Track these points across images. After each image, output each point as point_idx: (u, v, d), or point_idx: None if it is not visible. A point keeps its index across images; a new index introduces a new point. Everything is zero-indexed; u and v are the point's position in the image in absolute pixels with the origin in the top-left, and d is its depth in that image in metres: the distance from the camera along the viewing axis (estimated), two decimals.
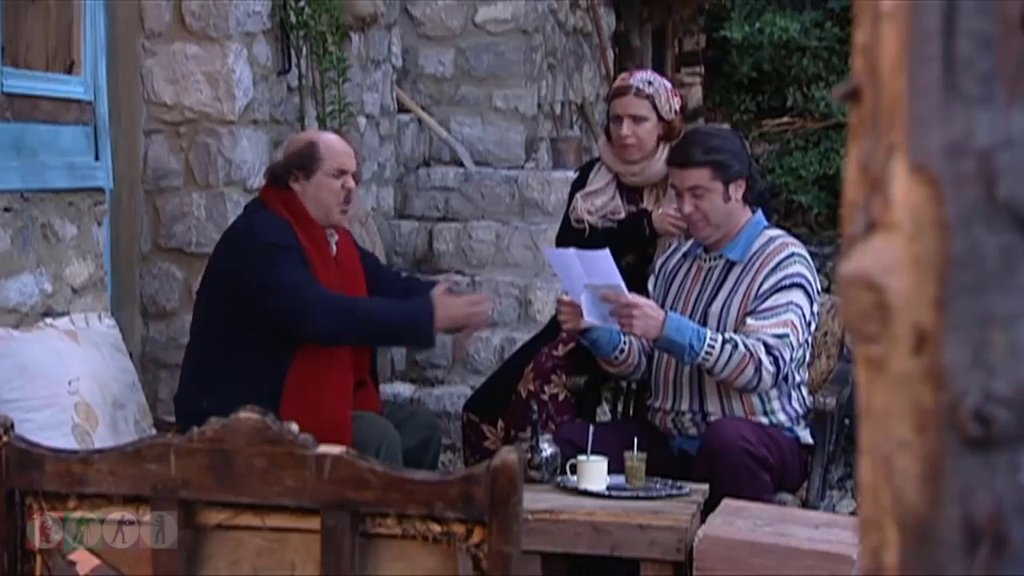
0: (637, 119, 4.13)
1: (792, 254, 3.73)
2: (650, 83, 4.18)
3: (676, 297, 3.85)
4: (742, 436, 3.56)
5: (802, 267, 3.72)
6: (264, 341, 3.71)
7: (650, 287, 3.95)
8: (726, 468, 3.51)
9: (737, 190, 3.73)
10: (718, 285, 3.78)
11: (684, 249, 3.93)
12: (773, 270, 3.70)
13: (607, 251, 3.70)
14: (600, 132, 7.98)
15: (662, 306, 3.83)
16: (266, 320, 3.71)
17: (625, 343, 3.83)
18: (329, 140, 3.94)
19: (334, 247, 3.94)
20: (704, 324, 3.73)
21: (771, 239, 3.78)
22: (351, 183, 3.87)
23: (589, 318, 3.71)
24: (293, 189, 3.81)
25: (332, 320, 3.69)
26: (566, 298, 3.78)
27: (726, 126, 4.02)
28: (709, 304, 3.76)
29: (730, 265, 3.78)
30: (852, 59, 0.96)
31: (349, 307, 3.74)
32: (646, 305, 3.65)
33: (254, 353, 3.71)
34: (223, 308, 3.78)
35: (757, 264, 3.73)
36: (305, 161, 3.83)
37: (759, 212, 3.82)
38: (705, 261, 3.83)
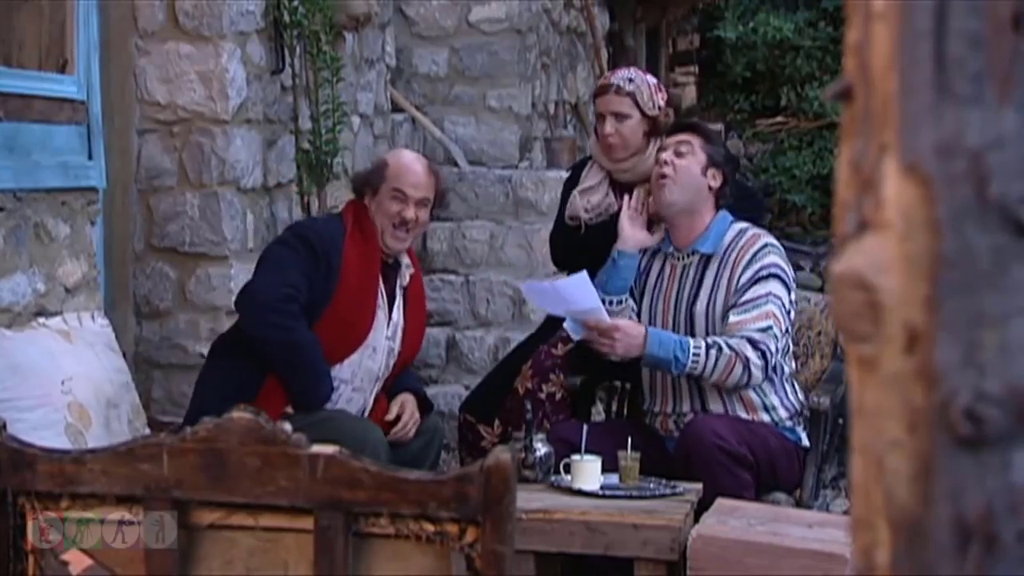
0: (619, 116, 4.13)
1: (766, 245, 3.78)
2: (631, 80, 4.17)
3: (654, 297, 3.87)
4: (716, 433, 3.56)
5: (777, 257, 3.76)
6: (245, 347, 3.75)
7: None
8: (701, 466, 3.52)
9: (714, 177, 3.81)
10: (697, 283, 3.80)
11: (652, 247, 3.95)
12: (750, 262, 3.74)
13: (584, 274, 3.78)
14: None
15: (639, 305, 3.85)
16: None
17: (625, 298, 3.88)
18: (401, 162, 3.94)
19: (407, 277, 3.94)
20: (691, 325, 3.75)
21: (741, 231, 3.82)
22: (410, 213, 3.83)
23: (574, 336, 3.81)
24: (366, 203, 3.88)
25: (264, 316, 3.71)
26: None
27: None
28: (692, 305, 3.78)
29: (705, 260, 3.80)
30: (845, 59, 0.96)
31: (291, 324, 3.72)
32: (626, 326, 3.70)
33: (241, 356, 3.76)
34: None
35: (733, 257, 3.76)
36: (372, 178, 3.90)
37: (723, 210, 3.86)
38: (679, 259, 3.85)
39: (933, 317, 0.90)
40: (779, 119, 9.65)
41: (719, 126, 9.64)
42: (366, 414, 3.92)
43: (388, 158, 4.02)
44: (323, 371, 3.75)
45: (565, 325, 3.82)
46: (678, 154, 3.79)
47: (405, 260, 3.94)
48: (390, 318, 3.89)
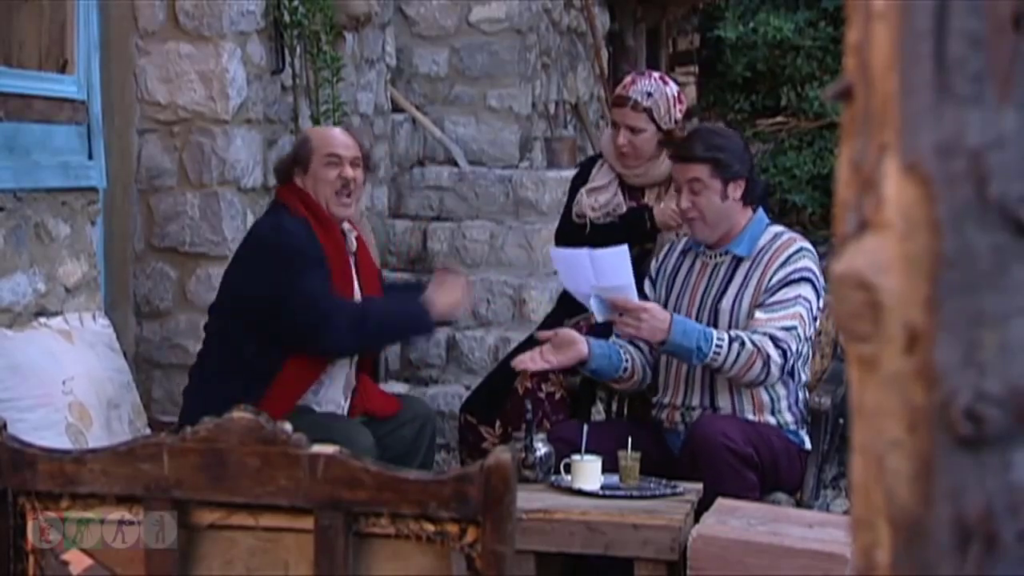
0: (634, 130, 4.14)
1: (800, 249, 3.76)
2: (649, 95, 4.13)
3: (680, 294, 3.85)
4: (724, 433, 3.55)
5: (810, 262, 3.75)
6: (255, 344, 3.71)
7: (647, 290, 3.93)
8: (708, 465, 3.52)
9: (736, 190, 3.75)
10: (726, 281, 3.78)
11: (681, 247, 3.93)
12: (783, 264, 3.72)
13: (624, 248, 3.72)
14: (595, 131, 7.99)
15: (664, 307, 3.82)
16: (283, 334, 3.69)
17: (627, 362, 3.83)
18: (322, 131, 4.03)
19: (353, 242, 3.96)
20: (715, 321, 3.73)
21: (777, 235, 3.80)
22: (348, 172, 3.84)
23: (599, 318, 3.72)
24: (298, 185, 3.84)
25: (347, 333, 3.71)
26: (532, 357, 3.76)
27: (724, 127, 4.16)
28: (719, 301, 3.76)
29: (737, 261, 3.79)
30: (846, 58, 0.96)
31: (362, 316, 3.75)
32: (654, 308, 3.66)
33: (247, 355, 3.73)
34: (235, 308, 3.78)
35: (766, 259, 3.75)
36: (300, 154, 3.90)
37: (760, 210, 3.83)
38: (710, 258, 3.84)
39: (933, 317, 0.90)
40: (779, 119, 9.64)
41: (728, 129, 9.62)
42: (353, 390, 3.92)
43: (308, 133, 4.09)
44: (406, 312, 3.84)
45: (591, 303, 3.70)
46: (694, 192, 3.73)
47: (345, 224, 3.95)
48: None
